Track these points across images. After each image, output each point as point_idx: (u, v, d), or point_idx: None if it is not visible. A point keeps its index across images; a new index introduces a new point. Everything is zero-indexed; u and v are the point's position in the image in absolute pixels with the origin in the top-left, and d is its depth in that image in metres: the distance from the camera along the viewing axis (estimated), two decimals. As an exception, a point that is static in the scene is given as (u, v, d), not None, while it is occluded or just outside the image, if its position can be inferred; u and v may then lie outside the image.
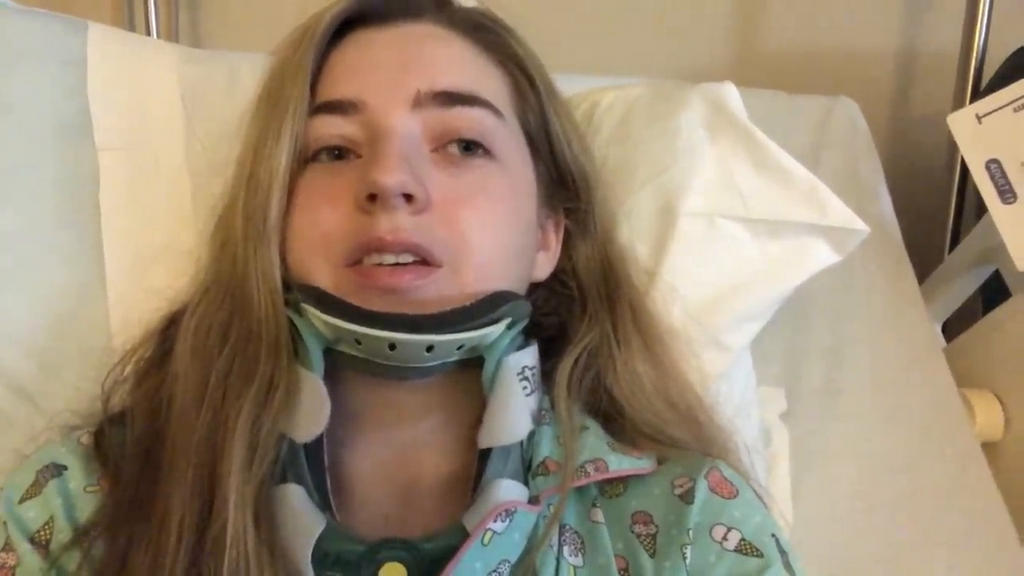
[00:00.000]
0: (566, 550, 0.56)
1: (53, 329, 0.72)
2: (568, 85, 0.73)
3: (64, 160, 0.76)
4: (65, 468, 0.58)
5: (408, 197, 0.54)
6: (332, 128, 0.58)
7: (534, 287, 0.66)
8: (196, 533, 0.51)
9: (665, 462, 0.60)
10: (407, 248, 0.54)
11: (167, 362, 0.59)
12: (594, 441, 0.59)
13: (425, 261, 0.54)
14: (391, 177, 0.53)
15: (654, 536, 0.56)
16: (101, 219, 0.75)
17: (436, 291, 0.54)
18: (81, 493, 0.57)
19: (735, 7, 1.29)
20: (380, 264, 0.54)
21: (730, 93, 0.82)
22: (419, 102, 0.58)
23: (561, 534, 0.56)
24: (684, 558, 0.54)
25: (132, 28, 1.23)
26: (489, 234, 0.57)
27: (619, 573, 0.55)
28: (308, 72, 0.59)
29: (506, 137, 0.61)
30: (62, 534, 0.55)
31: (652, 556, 0.55)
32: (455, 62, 0.61)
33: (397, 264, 0.54)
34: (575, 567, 0.55)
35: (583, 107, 0.83)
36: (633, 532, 0.56)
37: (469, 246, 0.55)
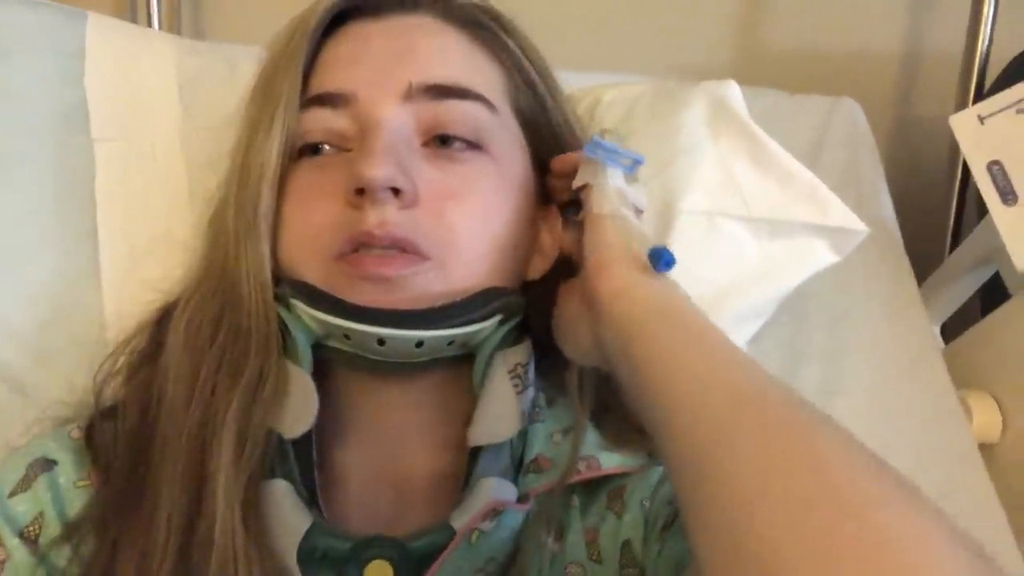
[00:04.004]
0: (548, 541, 0.56)
1: (46, 320, 0.71)
2: (570, 81, 0.72)
3: (60, 150, 0.76)
4: (55, 463, 0.57)
5: (396, 191, 0.53)
6: (322, 121, 0.57)
7: (531, 282, 0.65)
8: (185, 529, 0.51)
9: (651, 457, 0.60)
10: (394, 243, 0.53)
11: (160, 355, 0.58)
12: (587, 438, 0.59)
13: (412, 253, 0.54)
14: (378, 171, 0.52)
15: (625, 500, 0.57)
16: (96, 210, 0.75)
17: (424, 283, 0.54)
18: (71, 488, 0.56)
19: (738, 6, 1.29)
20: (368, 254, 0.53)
21: (732, 92, 0.81)
22: (410, 95, 0.57)
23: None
24: (643, 508, 0.55)
25: (134, 20, 1.22)
26: (478, 229, 0.56)
27: (586, 547, 0.56)
28: (300, 64, 0.58)
29: (500, 131, 0.60)
30: (52, 529, 0.55)
31: (619, 516, 0.56)
32: (449, 55, 0.60)
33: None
34: (553, 553, 0.56)
35: (584, 104, 0.82)
36: (610, 510, 0.57)
37: (457, 241, 0.55)
